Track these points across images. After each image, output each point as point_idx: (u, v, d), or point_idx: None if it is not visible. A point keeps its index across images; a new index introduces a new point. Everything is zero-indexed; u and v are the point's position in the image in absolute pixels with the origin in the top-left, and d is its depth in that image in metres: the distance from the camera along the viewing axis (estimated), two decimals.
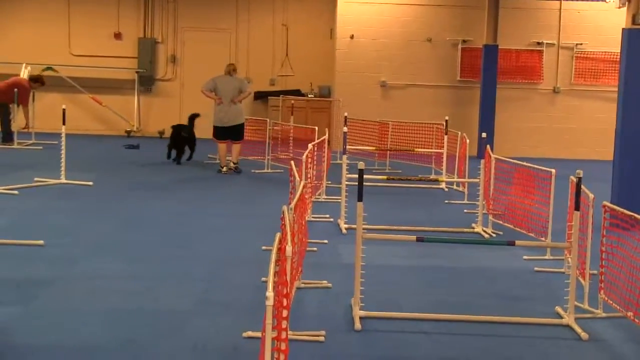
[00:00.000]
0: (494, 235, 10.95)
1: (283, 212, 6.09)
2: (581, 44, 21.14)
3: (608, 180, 11.84)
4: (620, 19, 12.04)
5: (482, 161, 11.37)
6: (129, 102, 21.94)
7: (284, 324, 4.74)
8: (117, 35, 22.26)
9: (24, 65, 20.03)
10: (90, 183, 13.73)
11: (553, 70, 21.26)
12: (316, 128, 15.61)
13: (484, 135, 11.94)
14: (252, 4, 22.37)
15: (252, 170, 15.15)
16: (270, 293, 4.12)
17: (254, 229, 10.67)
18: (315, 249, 9.58)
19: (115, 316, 6.98)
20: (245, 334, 6.46)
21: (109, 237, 10.13)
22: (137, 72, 21.98)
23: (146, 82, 22.19)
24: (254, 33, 22.40)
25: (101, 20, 22.13)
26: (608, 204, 7.69)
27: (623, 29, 11.73)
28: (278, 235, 5.36)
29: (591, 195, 7.82)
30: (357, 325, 6.87)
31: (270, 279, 4.34)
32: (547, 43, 21.16)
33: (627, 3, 11.55)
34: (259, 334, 5.89)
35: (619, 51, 12.00)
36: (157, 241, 9.98)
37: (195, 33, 22.34)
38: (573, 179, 7.60)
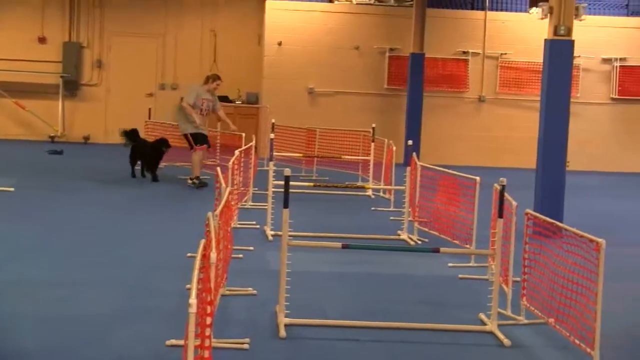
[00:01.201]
0: (419, 242, 11.03)
1: (208, 218, 6.04)
2: (505, 53, 21.46)
3: (531, 188, 12.02)
4: (542, 29, 12.24)
5: (408, 168, 11.45)
6: (53, 107, 21.57)
7: (208, 332, 4.70)
8: (42, 39, 21.86)
9: None
10: (12, 189, 13.46)
11: (478, 79, 21.55)
12: (243, 135, 15.56)
13: (410, 142, 12.04)
14: (180, 9, 22.20)
15: (179, 177, 15.03)
16: (193, 300, 4.07)
17: (179, 236, 10.57)
18: (240, 255, 9.53)
19: (37, 323, 6.85)
20: (168, 342, 6.38)
21: (31, 242, 9.95)
22: (61, 76, 21.62)
23: (71, 86, 21.83)
24: (181, 38, 22.23)
25: (25, 24, 21.72)
26: (531, 211, 7.80)
27: (545, 39, 11.93)
28: (202, 242, 5.32)
29: (514, 203, 7.92)
30: (282, 332, 6.85)
31: (194, 286, 4.29)
32: (472, 52, 21.44)
33: (549, 15, 11.76)
34: (182, 342, 5.82)
35: (542, 61, 12.20)
36: (81, 247, 9.83)
37: (121, 38, 22.07)
38: (497, 186, 7.69)
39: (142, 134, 17.81)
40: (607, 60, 21.55)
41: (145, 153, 15.56)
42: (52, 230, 10.80)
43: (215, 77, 15.03)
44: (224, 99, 21.33)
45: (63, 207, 12.47)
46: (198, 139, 14.59)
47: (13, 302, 7.45)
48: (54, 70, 21.70)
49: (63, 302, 7.50)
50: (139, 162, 15.67)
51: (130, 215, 12.23)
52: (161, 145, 15.47)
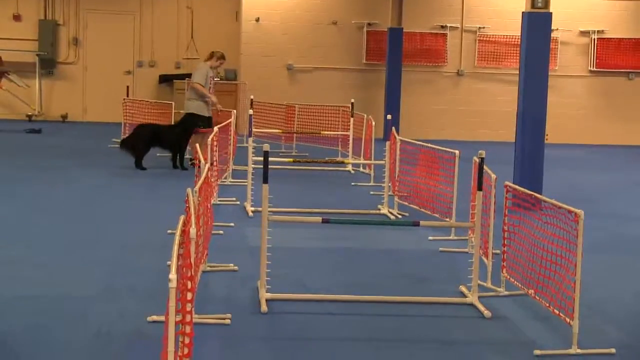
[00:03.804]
0: (399, 216, 11.05)
1: (187, 194, 6.03)
2: (484, 27, 21.46)
3: (510, 162, 12.05)
4: (520, 2, 12.23)
5: (388, 143, 11.45)
6: (30, 85, 21.39)
7: (189, 307, 4.69)
8: (17, 17, 21.67)
9: None
10: None
11: (457, 53, 21.55)
12: (234, 111, 15.37)
13: (389, 117, 12.02)
14: None
15: (158, 155, 14.96)
16: (173, 275, 4.07)
17: (159, 213, 10.54)
18: (221, 232, 9.53)
19: (18, 302, 6.83)
20: (150, 318, 6.38)
21: (10, 222, 9.90)
22: (37, 54, 21.44)
23: (47, 65, 21.67)
24: (158, 15, 22.09)
25: (0, 2, 21.52)
26: (510, 184, 7.83)
27: (523, 12, 11.93)
28: (182, 217, 5.30)
29: (493, 176, 7.95)
30: (264, 307, 6.86)
31: (174, 261, 4.28)
32: (450, 26, 21.43)
33: None
34: (163, 318, 5.82)
35: (520, 34, 12.20)
36: (60, 226, 9.79)
37: (98, 15, 21.90)
38: (476, 159, 7.71)
39: (119, 112, 17.74)
40: (585, 33, 21.59)
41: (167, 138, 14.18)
42: (31, 209, 10.74)
43: (221, 56, 14.36)
44: None
45: (41, 186, 12.41)
46: (205, 120, 14.08)
47: None
48: (30, 49, 21.51)
49: (43, 282, 7.48)
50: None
51: (110, 193, 12.18)
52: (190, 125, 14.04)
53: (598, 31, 21.55)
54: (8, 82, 20.51)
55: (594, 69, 21.71)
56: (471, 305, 7.24)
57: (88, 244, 8.97)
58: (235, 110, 15.93)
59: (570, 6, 20.59)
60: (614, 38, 21.60)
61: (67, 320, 6.48)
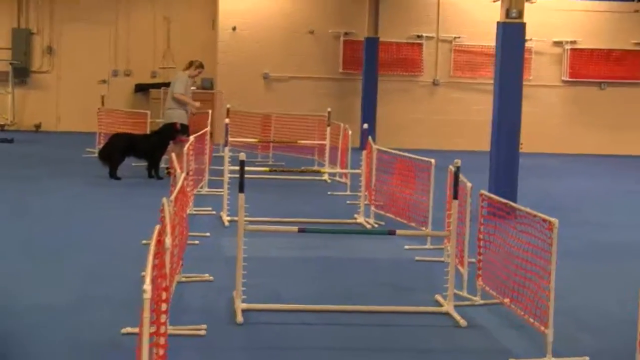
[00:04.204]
0: (376, 225, 11.06)
1: (162, 204, 6.00)
2: (459, 37, 21.55)
3: (485, 171, 12.09)
4: (495, 13, 12.30)
5: (364, 152, 11.46)
6: (2, 95, 21.23)
7: (163, 318, 4.66)
8: None
9: None
10: None
11: (432, 63, 21.62)
12: (209, 111, 15.28)
13: (365, 126, 12.03)
14: None
15: (133, 164, 14.89)
16: (147, 286, 4.03)
17: (134, 223, 10.47)
18: (197, 242, 9.49)
19: None
20: (124, 330, 6.33)
21: None
22: (11, 63, 21.28)
23: (21, 74, 21.52)
24: (134, 24, 22.01)
25: None
26: (485, 192, 7.85)
27: (497, 22, 11.99)
28: (157, 227, 5.27)
29: (469, 185, 7.97)
30: (239, 318, 6.83)
31: (148, 272, 4.25)
32: (426, 36, 21.50)
33: None
34: (137, 330, 5.78)
35: (494, 44, 12.26)
36: (34, 236, 9.71)
37: (73, 24, 21.79)
38: (451, 168, 7.72)
39: (94, 122, 17.65)
40: (558, 43, 21.73)
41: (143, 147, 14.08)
42: (3, 219, 10.65)
43: (200, 65, 14.43)
44: None
45: (14, 195, 12.31)
46: (184, 131, 13.99)
47: None
48: (3, 58, 21.36)
49: (16, 293, 7.40)
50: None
51: (84, 203, 12.11)
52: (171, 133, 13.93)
53: (571, 41, 21.70)
54: None
55: (567, 78, 21.85)
56: (447, 314, 7.24)
57: (61, 254, 8.90)
58: (210, 119, 15.91)
59: (544, 17, 20.72)
60: (586, 49, 21.76)
61: (40, 330, 6.42)
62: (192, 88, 15.34)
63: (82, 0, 21.78)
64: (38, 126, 21.53)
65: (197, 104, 14.27)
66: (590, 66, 21.79)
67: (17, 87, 21.53)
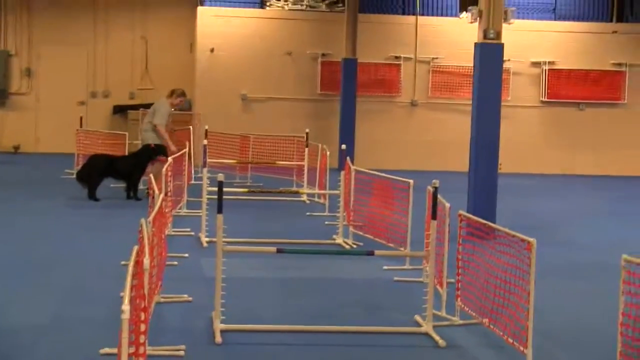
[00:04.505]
0: (354, 246, 11.06)
1: (141, 224, 5.98)
2: (437, 58, 21.66)
3: (464, 191, 12.13)
4: (473, 34, 12.38)
5: (342, 173, 11.48)
6: None
7: (142, 339, 4.65)
8: None
9: None
10: None
11: (411, 83, 21.71)
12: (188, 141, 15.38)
13: (343, 147, 12.08)
14: (110, 16, 21.98)
15: (112, 185, 14.84)
16: (126, 306, 4.02)
17: (113, 244, 10.43)
18: (175, 262, 9.45)
19: None
20: (102, 351, 6.30)
21: None
22: None
23: None
24: (112, 46, 22.01)
25: None
26: (464, 212, 7.87)
27: (475, 43, 12.07)
28: (136, 248, 5.26)
29: (447, 205, 7.99)
30: (218, 338, 6.81)
31: (127, 292, 4.24)
32: (404, 57, 21.59)
33: (478, 18, 11.90)
34: (116, 350, 5.75)
35: (472, 65, 12.34)
36: (11, 257, 9.65)
37: (51, 46, 21.76)
38: (430, 189, 7.75)
39: (72, 143, 17.60)
40: (536, 64, 21.89)
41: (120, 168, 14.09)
42: None
43: (182, 94, 14.49)
44: None
45: None
46: (162, 151, 13.98)
47: None
48: None
49: None
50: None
51: (63, 223, 12.05)
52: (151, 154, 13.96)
53: (549, 62, 21.87)
54: None
55: (545, 99, 22.00)
56: (426, 334, 7.24)
57: (39, 274, 8.85)
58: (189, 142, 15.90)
59: (521, 37, 20.87)
60: (564, 69, 21.93)
61: (16, 351, 6.37)
62: (171, 110, 15.23)
63: (60, 21, 21.77)
64: (17, 147, 21.45)
65: (173, 148, 14.10)
66: (569, 87, 21.94)
67: None
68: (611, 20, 22.15)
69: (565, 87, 21.94)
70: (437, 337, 7.08)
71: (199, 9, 20.99)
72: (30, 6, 21.76)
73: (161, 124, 14.13)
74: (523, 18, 21.09)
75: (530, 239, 6.24)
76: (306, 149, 15.54)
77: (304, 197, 15.07)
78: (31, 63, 21.80)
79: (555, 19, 22.15)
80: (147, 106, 20.85)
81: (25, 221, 12.08)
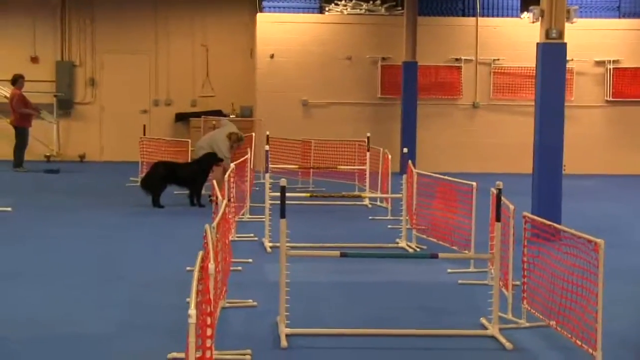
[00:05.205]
0: (418, 249, 11.01)
1: (205, 230, 6.03)
2: (498, 59, 21.47)
3: (528, 193, 12.00)
4: (535, 34, 12.25)
5: (405, 176, 11.44)
6: (47, 126, 21.52)
7: (209, 343, 4.68)
8: (34, 59, 21.88)
9: None
10: (9, 208, 13.43)
11: (472, 85, 21.55)
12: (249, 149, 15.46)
13: (405, 150, 12.02)
14: (171, 25, 22.21)
15: (175, 192, 14.99)
16: (192, 311, 4.06)
17: (178, 251, 10.54)
18: (240, 268, 9.51)
19: (37, 343, 6.82)
20: (170, 355, 6.36)
21: (28, 262, 9.93)
22: (55, 95, 21.61)
23: (65, 105, 21.83)
24: (173, 54, 22.25)
25: (17, 44, 21.75)
26: (528, 214, 7.79)
27: (537, 43, 11.94)
28: (201, 253, 5.30)
29: (512, 206, 7.91)
30: (284, 342, 6.83)
31: (193, 297, 4.28)
32: (465, 59, 21.45)
33: (540, 18, 11.76)
34: (184, 355, 5.80)
35: (535, 65, 12.20)
36: (79, 266, 9.80)
37: (113, 55, 22.07)
38: (493, 191, 7.69)
39: (136, 151, 17.83)
40: (600, 63, 21.56)
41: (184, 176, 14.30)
42: (50, 249, 10.77)
43: (240, 138, 14.96)
44: (218, 112, 21.39)
45: (60, 226, 12.44)
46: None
47: (12, 324, 7.40)
48: (48, 90, 21.68)
49: (62, 322, 7.47)
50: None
51: (129, 232, 12.20)
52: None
53: (613, 61, 21.53)
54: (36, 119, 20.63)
55: (610, 98, 21.66)
56: (492, 337, 7.18)
57: (106, 282, 8.97)
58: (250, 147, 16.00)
59: (584, 36, 20.59)
60: (629, 67, 21.57)
61: (86, 359, 6.46)
62: (232, 116, 15.44)
63: (122, 31, 22.07)
64: (82, 156, 21.79)
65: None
66: (634, 86, 21.57)
67: (61, 118, 21.82)
68: None
69: (630, 85, 21.57)
70: (503, 340, 7.02)
71: (259, 15, 21.11)
72: (94, 17, 22.12)
73: (228, 157, 14.42)
74: (586, 17, 20.80)
75: (598, 240, 6.15)
76: (367, 153, 15.52)
77: (367, 201, 15.05)
78: (95, 73, 22.14)
79: (619, 17, 21.79)
80: (209, 113, 21.15)
81: (92, 229, 12.26)
